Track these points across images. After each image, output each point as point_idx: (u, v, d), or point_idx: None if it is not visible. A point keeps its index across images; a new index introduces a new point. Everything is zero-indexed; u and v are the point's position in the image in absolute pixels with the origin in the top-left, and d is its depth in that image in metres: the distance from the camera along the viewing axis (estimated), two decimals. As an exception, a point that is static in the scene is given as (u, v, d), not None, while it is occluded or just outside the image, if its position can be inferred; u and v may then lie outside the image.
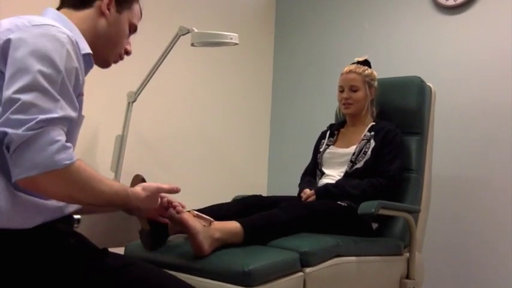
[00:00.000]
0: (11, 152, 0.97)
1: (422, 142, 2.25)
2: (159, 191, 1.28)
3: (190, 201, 1.78)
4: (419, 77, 2.31)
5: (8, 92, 0.99)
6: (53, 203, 1.12)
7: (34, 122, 0.97)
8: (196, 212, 1.52)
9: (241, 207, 1.89)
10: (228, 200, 2.03)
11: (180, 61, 2.78)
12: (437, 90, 2.36)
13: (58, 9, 1.27)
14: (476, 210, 2.55)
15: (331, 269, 1.66)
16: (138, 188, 1.24)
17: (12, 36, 1.04)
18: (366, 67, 2.25)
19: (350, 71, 2.23)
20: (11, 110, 0.97)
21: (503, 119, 2.50)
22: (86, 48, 1.20)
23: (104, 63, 1.32)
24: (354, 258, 1.77)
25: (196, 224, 1.47)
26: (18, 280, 1.04)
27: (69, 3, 1.27)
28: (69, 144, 1.02)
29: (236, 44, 2.28)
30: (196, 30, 2.22)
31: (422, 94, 2.28)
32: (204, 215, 1.52)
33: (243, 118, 3.33)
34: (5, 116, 0.97)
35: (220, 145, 3.19)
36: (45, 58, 1.02)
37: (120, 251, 1.59)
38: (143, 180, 1.47)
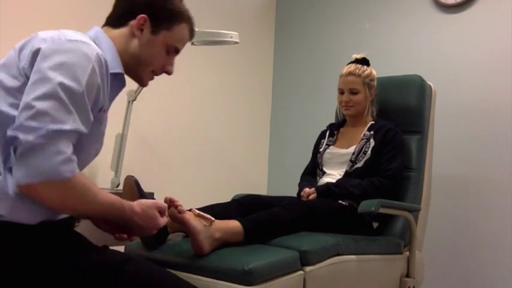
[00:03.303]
0: (18, 156, 1.01)
1: (423, 141, 2.25)
2: (155, 205, 1.26)
3: (190, 200, 1.79)
4: (419, 76, 2.31)
5: (27, 98, 1.04)
6: None
7: (44, 131, 1.00)
8: (197, 211, 1.52)
9: (240, 207, 1.89)
10: (228, 199, 2.03)
11: (180, 60, 2.76)
12: (437, 89, 2.35)
13: (103, 26, 1.31)
14: (476, 208, 2.55)
15: (331, 267, 1.66)
16: (134, 203, 1.24)
17: (43, 46, 1.09)
18: (365, 67, 2.22)
19: (349, 73, 2.20)
20: (25, 116, 1.02)
21: (503, 117, 2.50)
22: (115, 68, 1.23)
23: (138, 82, 1.34)
24: (354, 257, 1.77)
25: (197, 223, 1.47)
26: (18, 275, 1.05)
27: (109, 21, 1.31)
28: (74, 157, 1.05)
29: (236, 42, 2.27)
30: (196, 29, 2.22)
31: (423, 93, 2.28)
32: (205, 214, 1.52)
33: (243, 117, 3.33)
34: (19, 121, 1.02)
35: (220, 144, 3.19)
36: (68, 72, 1.06)
37: (121, 248, 1.59)
38: (136, 182, 1.47)
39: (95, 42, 1.20)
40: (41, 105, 1.02)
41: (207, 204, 1.81)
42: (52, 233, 1.12)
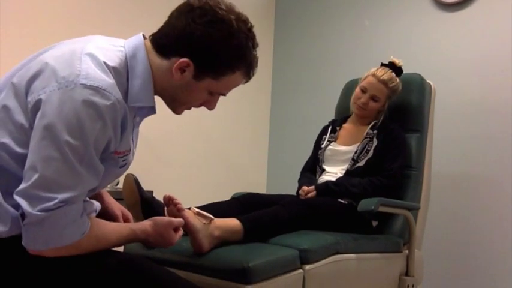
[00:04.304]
0: (24, 224, 0.99)
1: (422, 139, 2.24)
2: (169, 225, 1.26)
3: (189, 198, 1.79)
4: (419, 75, 2.31)
5: (32, 156, 0.98)
6: None
7: (52, 203, 0.96)
8: (196, 210, 1.52)
9: (240, 205, 1.89)
10: (227, 197, 2.03)
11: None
12: (437, 88, 2.35)
13: (151, 37, 1.17)
14: (475, 207, 2.56)
15: (331, 266, 1.66)
16: (147, 224, 1.24)
17: (48, 97, 0.99)
18: (398, 79, 2.17)
19: (382, 81, 2.13)
20: (31, 181, 0.96)
21: (503, 116, 2.50)
22: (142, 100, 1.14)
23: (172, 110, 1.24)
24: (353, 255, 1.77)
25: (196, 221, 1.47)
26: (19, 277, 1.05)
27: (155, 39, 1.16)
28: (83, 217, 1.03)
29: (236, 41, 2.26)
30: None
31: (423, 91, 2.28)
32: (204, 213, 1.52)
33: (242, 116, 3.33)
34: (25, 186, 0.97)
35: (220, 143, 3.19)
36: (75, 129, 0.98)
37: (120, 248, 1.59)
38: (136, 180, 1.47)
39: (128, 61, 1.11)
40: (46, 169, 0.96)
41: (206, 203, 1.81)
42: None
